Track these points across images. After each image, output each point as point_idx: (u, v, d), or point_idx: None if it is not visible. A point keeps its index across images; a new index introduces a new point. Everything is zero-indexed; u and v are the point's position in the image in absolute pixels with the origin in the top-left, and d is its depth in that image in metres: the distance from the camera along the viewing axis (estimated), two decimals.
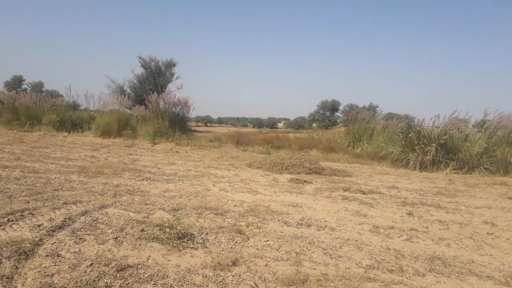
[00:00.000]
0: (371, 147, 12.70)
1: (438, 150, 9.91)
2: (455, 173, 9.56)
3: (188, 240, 3.18)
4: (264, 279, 2.57)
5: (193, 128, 20.83)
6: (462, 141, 10.18)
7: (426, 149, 9.93)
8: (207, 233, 3.46)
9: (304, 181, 6.89)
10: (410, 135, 10.37)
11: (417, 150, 10.04)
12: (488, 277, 2.87)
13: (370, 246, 3.46)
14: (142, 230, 3.40)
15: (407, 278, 2.75)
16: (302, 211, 4.68)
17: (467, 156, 9.72)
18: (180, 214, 4.13)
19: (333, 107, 42.06)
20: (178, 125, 14.82)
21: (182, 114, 15.28)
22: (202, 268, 2.66)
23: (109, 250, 2.88)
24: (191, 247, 3.08)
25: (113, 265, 2.60)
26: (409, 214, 4.86)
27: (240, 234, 3.50)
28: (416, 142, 10.09)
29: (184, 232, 3.27)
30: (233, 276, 2.56)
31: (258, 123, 57.14)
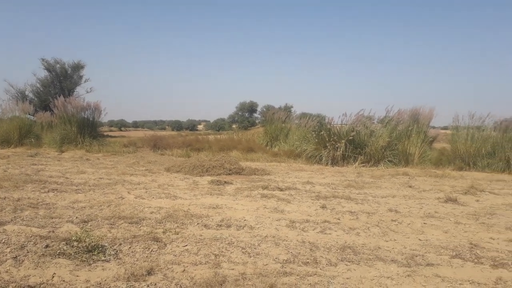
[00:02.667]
0: (288, 145, 13.18)
1: (347, 146, 10.61)
2: (363, 166, 10.32)
3: (99, 253, 2.97)
4: (181, 285, 2.49)
5: (105, 134, 19.75)
6: (368, 136, 11.02)
7: (337, 146, 10.57)
8: (120, 244, 3.27)
9: (225, 182, 6.90)
10: (322, 133, 10.96)
11: (329, 147, 10.64)
12: (392, 260, 3.12)
13: (286, 241, 3.56)
14: (47, 246, 3.10)
15: (320, 269, 2.87)
16: (222, 212, 4.67)
17: (373, 150, 10.56)
18: (90, 226, 3.86)
19: (251, 108, 42.88)
20: (88, 130, 13.91)
21: (93, 119, 14.38)
22: (114, 281, 2.51)
23: (7, 271, 2.58)
24: (103, 260, 2.89)
25: (11, 287, 2.33)
26: (322, 207, 5.10)
27: (157, 241, 3.37)
28: (327, 139, 10.69)
29: (94, 245, 3.05)
30: (148, 286, 2.45)
31: (177, 125, 55.95)
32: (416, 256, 3.22)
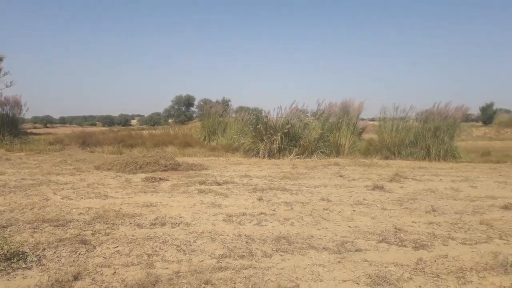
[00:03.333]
0: (225, 139, 13.17)
1: (283, 138, 10.86)
2: (298, 158, 10.63)
3: (19, 260, 2.73)
4: None
5: (28, 131, 18.24)
6: (302, 129, 11.35)
7: (273, 138, 10.77)
8: (44, 249, 3.05)
9: (160, 178, 6.71)
10: (259, 126, 11.08)
11: (265, 140, 10.80)
12: (324, 248, 3.24)
13: (223, 235, 3.55)
14: None
15: (256, 261, 2.90)
16: (157, 210, 4.53)
17: (307, 142, 10.91)
18: (10, 231, 3.55)
19: (188, 102, 42.09)
20: (7, 128, 12.77)
21: (13, 115, 13.23)
22: None
23: None
24: (23, 268, 2.67)
25: None
26: (259, 200, 5.17)
27: (85, 244, 3.18)
28: (264, 133, 10.84)
29: (14, 252, 2.80)
30: None
31: (109, 121, 53.06)
32: (346, 243, 3.38)
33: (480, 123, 33.76)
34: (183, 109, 42.54)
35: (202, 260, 2.90)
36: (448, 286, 2.50)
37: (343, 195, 5.65)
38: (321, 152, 10.99)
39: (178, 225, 3.92)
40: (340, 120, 11.68)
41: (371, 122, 18.12)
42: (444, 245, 3.37)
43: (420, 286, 2.49)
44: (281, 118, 11.54)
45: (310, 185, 6.43)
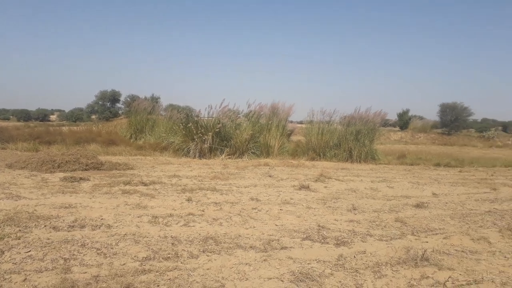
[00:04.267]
0: (154, 138, 12.77)
1: (214, 138, 10.80)
2: (229, 158, 10.65)
3: None
4: None
5: None
6: (233, 129, 11.39)
7: (204, 138, 10.66)
8: None
9: (80, 178, 6.29)
10: (189, 125, 10.90)
11: (196, 139, 10.67)
12: (251, 247, 3.27)
13: (148, 237, 3.43)
14: None
15: (181, 262, 2.84)
16: (76, 211, 4.24)
17: (238, 143, 10.98)
18: None
19: (113, 97, 39.94)
20: None
21: None
22: None
23: None
24: None
25: None
26: (188, 200, 5.07)
27: None
28: (195, 132, 10.70)
29: None
30: None
31: (25, 115, 48.55)
32: (273, 241, 3.44)
33: (397, 128, 36.52)
34: (108, 105, 40.29)
35: (124, 264, 2.77)
36: (365, 280, 2.66)
37: (271, 195, 5.76)
38: (252, 152, 11.12)
39: (99, 227, 3.70)
40: (270, 122, 11.91)
41: (299, 125, 18.79)
42: (363, 242, 3.59)
43: (340, 281, 2.61)
44: (213, 117, 11.48)
45: (240, 185, 6.47)
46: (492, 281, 2.74)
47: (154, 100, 25.19)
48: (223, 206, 4.85)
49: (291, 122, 17.82)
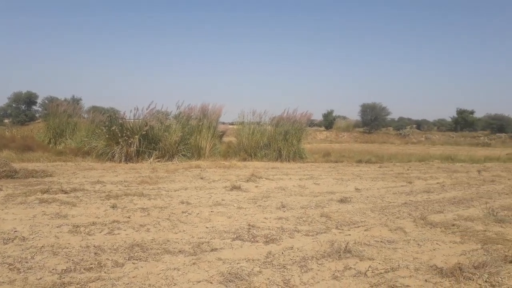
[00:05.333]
0: (75, 142, 12.00)
1: (141, 141, 10.42)
2: (158, 161, 10.34)
3: None
4: None
5: None
6: (162, 131, 11.09)
7: (130, 141, 10.24)
8: None
9: None
10: (113, 128, 10.40)
11: (121, 143, 10.20)
12: (180, 251, 3.19)
13: (68, 248, 3.20)
14: None
15: (105, 272, 2.69)
16: None
17: (167, 145, 10.71)
18: None
19: (29, 99, 36.78)
20: None
21: None
22: None
23: None
24: None
25: None
26: (113, 207, 4.83)
27: None
28: (119, 135, 10.22)
29: None
30: None
31: None
32: (202, 244, 3.40)
33: (322, 128, 38.27)
34: (23, 107, 36.99)
35: (40, 278, 2.55)
36: (292, 275, 2.73)
37: (202, 197, 5.70)
38: (182, 155, 10.92)
39: (12, 240, 3.38)
40: (201, 123, 11.81)
41: (231, 126, 18.85)
42: (291, 238, 3.69)
43: (268, 278, 2.65)
44: (139, 119, 11.06)
45: (170, 189, 6.31)
46: (407, 268, 2.96)
47: (75, 101, 23.65)
48: (151, 211, 4.69)
49: (223, 123, 17.82)
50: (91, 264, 2.84)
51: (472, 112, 37.99)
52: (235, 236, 3.70)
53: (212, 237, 3.65)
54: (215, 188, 6.56)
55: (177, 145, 10.92)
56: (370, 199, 6.03)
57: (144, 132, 10.46)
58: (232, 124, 17.86)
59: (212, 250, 3.24)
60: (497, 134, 33.83)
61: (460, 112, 38.16)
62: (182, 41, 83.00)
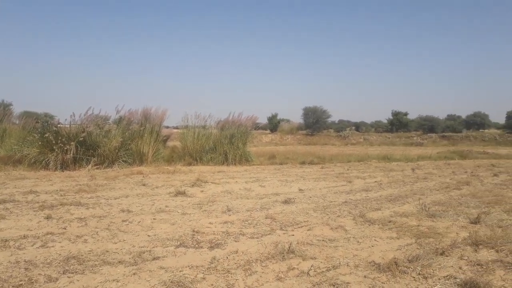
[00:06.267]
0: (4, 150, 11.09)
1: (78, 148, 9.88)
2: (97, 168, 9.85)
3: None
4: None
5: None
6: (101, 137, 10.58)
7: (66, 148, 9.66)
8: None
9: None
10: (47, 135, 9.76)
11: (57, 150, 9.59)
12: (119, 262, 3.05)
13: None
14: None
15: None
16: None
17: (107, 151, 10.24)
18: None
19: None
20: None
21: None
22: None
23: None
24: None
25: None
26: (47, 218, 4.52)
27: None
28: (54, 142, 9.61)
29: None
30: None
31: None
32: (144, 253, 3.28)
33: (268, 131, 38.83)
34: None
35: None
36: (236, 279, 2.72)
37: (145, 204, 5.52)
38: (123, 161, 10.49)
39: None
40: (142, 128, 11.43)
41: (175, 130, 18.49)
42: (236, 241, 3.68)
43: (212, 284, 2.62)
44: (77, 125, 10.48)
45: (109, 197, 6.04)
46: (347, 265, 3.07)
47: (5, 106, 21.91)
48: (89, 221, 4.45)
49: (167, 127, 17.44)
50: (21, 281, 2.63)
51: (406, 114, 40.48)
52: (178, 243, 3.61)
53: (154, 245, 3.53)
54: (158, 194, 6.38)
55: (117, 151, 10.47)
56: (313, 199, 6.19)
57: (81, 139, 9.92)
58: (176, 128, 17.53)
59: (154, 259, 3.14)
60: (428, 134, 36.31)
61: (395, 114, 40.52)
62: (119, 43, 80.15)
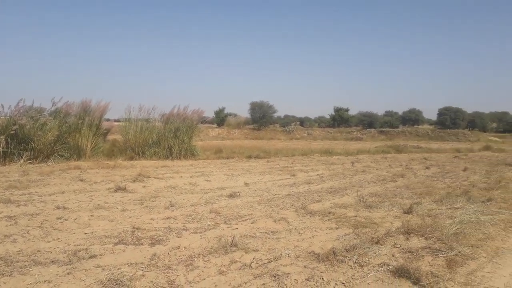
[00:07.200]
0: None
1: (9, 141, 9.17)
2: (30, 163, 9.21)
3: None
4: None
5: None
6: (35, 130, 9.90)
7: None
8: None
9: None
10: None
11: None
12: (52, 261, 2.88)
13: None
14: None
15: None
16: None
17: (41, 145, 9.60)
18: None
19: None
20: None
21: None
22: None
23: None
24: None
25: None
26: None
27: None
28: None
29: None
30: None
31: None
32: (80, 251, 3.13)
33: (215, 125, 38.63)
34: None
35: None
36: (177, 275, 2.68)
37: (82, 201, 5.25)
38: (59, 155, 9.89)
39: None
40: (80, 121, 10.83)
41: (116, 123, 17.77)
42: (178, 237, 3.62)
43: (151, 281, 2.55)
44: (7, 117, 9.71)
45: (43, 193, 5.67)
46: (288, 256, 3.14)
47: None
48: (20, 219, 4.15)
49: (108, 120, 16.69)
50: None
51: (347, 110, 42.22)
52: (117, 240, 3.48)
53: (91, 243, 3.38)
54: (97, 190, 6.11)
55: (53, 144, 9.85)
56: (258, 192, 6.26)
57: (12, 132, 9.21)
58: (118, 121, 16.86)
59: (90, 257, 3.00)
60: (367, 129, 38.12)
61: (337, 110, 42.11)
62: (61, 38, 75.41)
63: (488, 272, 2.90)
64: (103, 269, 2.75)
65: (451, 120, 38.76)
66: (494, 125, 42.17)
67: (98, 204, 5.03)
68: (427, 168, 10.91)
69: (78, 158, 10.19)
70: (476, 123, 40.08)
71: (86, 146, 10.61)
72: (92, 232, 3.72)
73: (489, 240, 3.74)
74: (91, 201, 5.26)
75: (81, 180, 7.01)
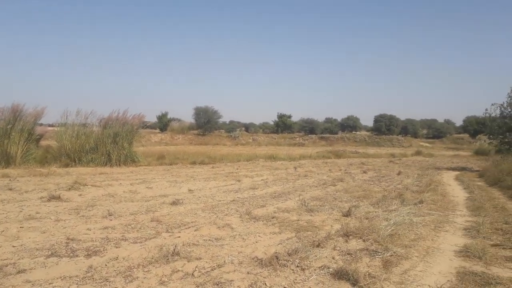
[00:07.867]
0: None
1: None
2: None
3: None
4: None
5: None
6: None
7: None
8: None
9: None
10: None
11: None
12: None
13: None
14: None
15: None
16: None
17: None
18: None
19: None
20: None
21: None
22: None
23: None
24: None
25: None
26: None
27: None
28: None
29: None
30: None
31: None
32: (7, 266, 2.89)
33: (157, 130, 37.65)
34: None
35: None
36: (115, 287, 2.56)
37: (10, 211, 4.87)
38: None
39: None
40: (9, 126, 10.04)
41: (50, 128, 16.70)
42: (117, 247, 3.46)
43: None
44: None
45: None
46: (232, 263, 3.12)
47: None
48: None
49: (41, 125, 15.63)
50: None
51: (290, 116, 43.15)
52: (50, 252, 3.26)
53: (20, 257, 3.13)
54: (28, 199, 5.69)
55: None
56: (202, 199, 6.18)
57: None
58: (52, 126, 15.86)
59: (19, 272, 2.78)
60: (309, 135, 39.22)
61: (280, 116, 42.90)
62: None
63: (420, 271, 3.09)
64: (33, 284, 2.55)
65: (386, 127, 40.98)
66: (425, 131, 45.21)
67: (29, 215, 4.68)
68: (364, 172, 11.45)
69: (7, 166, 9.45)
70: (408, 129, 42.74)
71: (16, 153, 9.86)
72: (21, 245, 3.45)
73: (421, 240, 4.00)
74: (21, 211, 4.89)
75: (10, 189, 6.50)
